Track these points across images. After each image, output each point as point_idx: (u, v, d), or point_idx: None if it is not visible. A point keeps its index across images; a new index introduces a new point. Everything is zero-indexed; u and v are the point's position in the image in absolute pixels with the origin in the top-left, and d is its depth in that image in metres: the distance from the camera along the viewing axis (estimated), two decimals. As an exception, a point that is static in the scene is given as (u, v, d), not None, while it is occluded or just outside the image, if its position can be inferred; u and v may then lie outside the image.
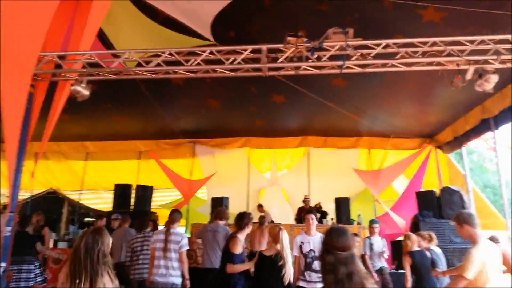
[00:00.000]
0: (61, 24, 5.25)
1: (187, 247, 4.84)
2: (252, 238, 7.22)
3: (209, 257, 5.85)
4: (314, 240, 5.08)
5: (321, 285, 5.05)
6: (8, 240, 4.98)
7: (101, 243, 2.55)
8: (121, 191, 9.65)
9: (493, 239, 5.73)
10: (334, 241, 2.08)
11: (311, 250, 5.05)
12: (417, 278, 5.29)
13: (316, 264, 4.97)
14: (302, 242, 5.11)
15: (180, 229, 11.45)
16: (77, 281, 2.42)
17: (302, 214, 5.52)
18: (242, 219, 4.74)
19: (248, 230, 4.74)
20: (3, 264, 4.83)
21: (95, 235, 2.57)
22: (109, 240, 2.64)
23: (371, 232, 7.09)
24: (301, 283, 4.99)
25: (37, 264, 6.52)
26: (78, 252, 2.50)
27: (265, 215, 9.55)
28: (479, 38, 4.64)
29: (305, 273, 5.03)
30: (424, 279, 5.23)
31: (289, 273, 4.06)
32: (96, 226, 7.05)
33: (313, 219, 5.21)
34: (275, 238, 4.37)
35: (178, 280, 4.66)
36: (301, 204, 9.48)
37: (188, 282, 4.78)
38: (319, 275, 5.00)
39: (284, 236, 4.26)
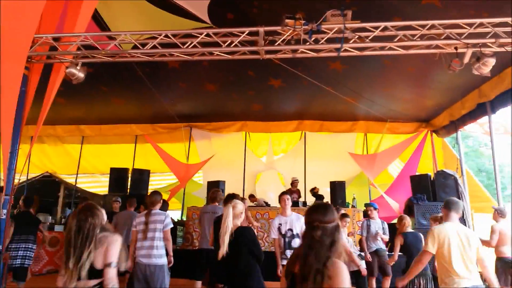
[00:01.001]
0: (56, 5, 5.17)
1: (172, 225, 4.90)
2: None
3: (207, 238, 5.89)
4: (290, 219, 5.31)
5: None
6: (3, 223, 4.99)
7: (91, 218, 2.60)
8: (117, 174, 9.65)
9: (498, 210, 5.87)
10: (321, 217, 2.09)
11: (288, 229, 5.24)
12: (408, 259, 5.40)
13: (296, 242, 5.14)
14: (280, 224, 5.29)
15: (176, 212, 11.62)
16: (67, 259, 2.50)
17: (278, 195, 5.63)
18: (233, 198, 4.77)
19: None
20: (-1, 247, 4.85)
21: (86, 212, 2.63)
22: (101, 214, 2.70)
23: (369, 215, 7.15)
24: (284, 262, 5.12)
25: (33, 246, 6.58)
26: (70, 232, 2.57)
27: (258, 202, 9.67)
28: (477, 21, 4.61)
29: (286, 251, 5.19)
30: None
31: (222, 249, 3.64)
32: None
33: (288, 200, 5.43)
34: None
35: (162, 261, 4.70)
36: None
37: (171, 258, 4.86)
38: None
39: (227, 210, 3.79)
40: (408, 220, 5.69)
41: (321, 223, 2.07)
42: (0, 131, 4.89)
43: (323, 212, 2.12)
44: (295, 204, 8.78)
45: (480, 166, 20.00)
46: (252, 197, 10.23)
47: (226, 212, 3.76)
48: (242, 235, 3.72)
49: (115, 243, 2.60)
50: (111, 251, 2.55)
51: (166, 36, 5.05)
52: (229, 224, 3.68)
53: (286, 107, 9.97)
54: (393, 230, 7.49)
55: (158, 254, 4.68)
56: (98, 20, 6.41)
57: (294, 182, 9.85)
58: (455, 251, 3.45)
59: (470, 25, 4.64)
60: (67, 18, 5.28)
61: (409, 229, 5.66)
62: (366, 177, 9.99)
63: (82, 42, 5.13)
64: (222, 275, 4.48)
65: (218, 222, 4.74)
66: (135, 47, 5.22)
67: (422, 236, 5.67)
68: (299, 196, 9.65)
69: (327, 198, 9.22)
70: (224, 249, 3.57)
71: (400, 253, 5.69)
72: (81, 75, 5.23)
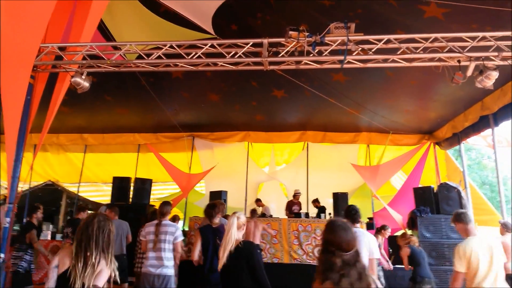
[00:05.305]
0: (62, 15, 5.23)
1: (182, 237, 4.91)
2: (246, 231, 7.25)
3: None
4: None
5: None
6: (7, 231, 4.99)
7: (110, 225, 2.62)
8: (120, 183, 9.64)
9: (504, 225, 5.88)
10: (337, 239, 1.87)
11: None
12: (415, 267, 5.58)
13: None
14: None
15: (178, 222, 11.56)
16: (88, 253, 2.47)
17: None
18: (216, 206, 4.78)
19: None
20: (2, 255, 4.84)
21: (106, 218, 2.65)
22: (114, 228, 2.72)
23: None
24: None
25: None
26: (90, 227, 2.54)
27: (264, 209, 9.68)
28: (480, 34, 4.64)
29: None
30: (422, 267, 5.62)
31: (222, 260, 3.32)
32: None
33: None
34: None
35: (170, 271, 4.70)
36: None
37: (176, 267, 4.89)
38: None
39: (231, 220, 3.44)
40: (415, 237, 6.04)
41: (337, 247, 1.87)
42: (5, 139, 4.92)
43: (339, 233, 1.90)
44: (297, 215, 8.76)
45: (483, 179, 19.91)
46: (258, 201, 10.22)
47: (230, 222, 3.40)
48: (245, 250, 3.29)
49: (105, 269, 2.56)
50: (101, 276, 2.52)
51: (171, 46, 5.09)
52: (233, 236, 3.31)
53: (289, 117, 9.99)
54: (397, 242, 7.46)
55: (168, 264, 4.68)
56: (103, 30, 6.48)
57: (296, 195, 9.83)
58: (483, 266, 3.31)
59: (473, 38, 4.67)
60: (73, 28, 5.33)
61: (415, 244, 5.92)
62: (369, 188, 9.95)
63: (87, 51, 5.17)
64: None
65: (208, 232, 4.56)
66: (139, 57, 5.27)
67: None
68: (300, 208, 9.64)
69: (329, 210, 9.18)
70: (223, 260, 3.23)
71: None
72: (86, 84, 5.26)
